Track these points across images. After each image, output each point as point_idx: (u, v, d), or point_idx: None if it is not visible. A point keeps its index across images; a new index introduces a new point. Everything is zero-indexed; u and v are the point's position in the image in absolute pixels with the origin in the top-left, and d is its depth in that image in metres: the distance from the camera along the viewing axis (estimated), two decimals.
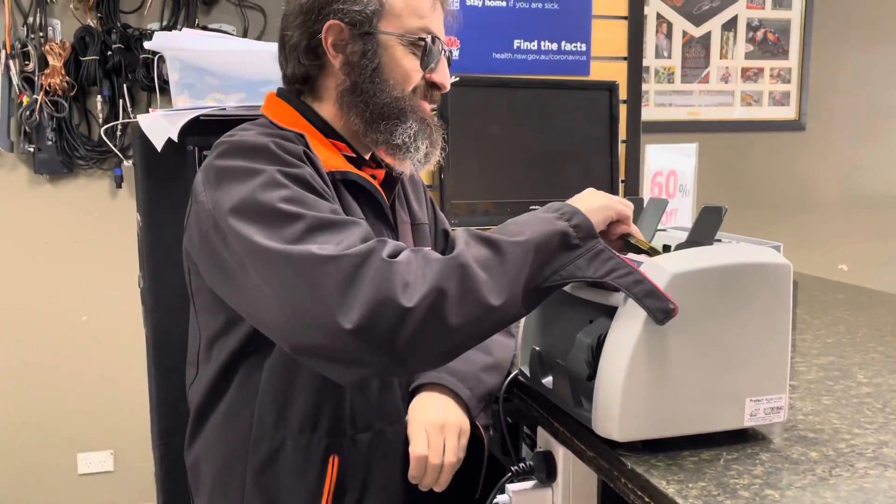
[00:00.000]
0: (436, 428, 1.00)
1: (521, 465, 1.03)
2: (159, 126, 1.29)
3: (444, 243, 1.30)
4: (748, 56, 3.35)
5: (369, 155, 1.16)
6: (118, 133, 2.55)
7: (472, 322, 0.84)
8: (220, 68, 1.54)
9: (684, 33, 3.24)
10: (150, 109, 1.42)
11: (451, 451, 1.00)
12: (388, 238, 1.10)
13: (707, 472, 0.82)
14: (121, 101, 2.53)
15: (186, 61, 1.47)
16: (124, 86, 2.53)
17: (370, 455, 1.03)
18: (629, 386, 0.85)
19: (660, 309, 0.83)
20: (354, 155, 1.12)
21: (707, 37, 3.29)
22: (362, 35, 1.05)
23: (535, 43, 1.99)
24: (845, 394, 1.07)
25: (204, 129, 1.33)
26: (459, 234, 0.89)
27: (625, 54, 2.09)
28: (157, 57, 2.44)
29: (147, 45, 1.50)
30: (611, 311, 0.91)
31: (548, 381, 1.01)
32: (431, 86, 1.11)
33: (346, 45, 1.06)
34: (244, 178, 0.93)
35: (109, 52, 2.48)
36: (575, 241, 0.88)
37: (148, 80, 2.52)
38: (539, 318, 1.08)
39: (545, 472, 1.02)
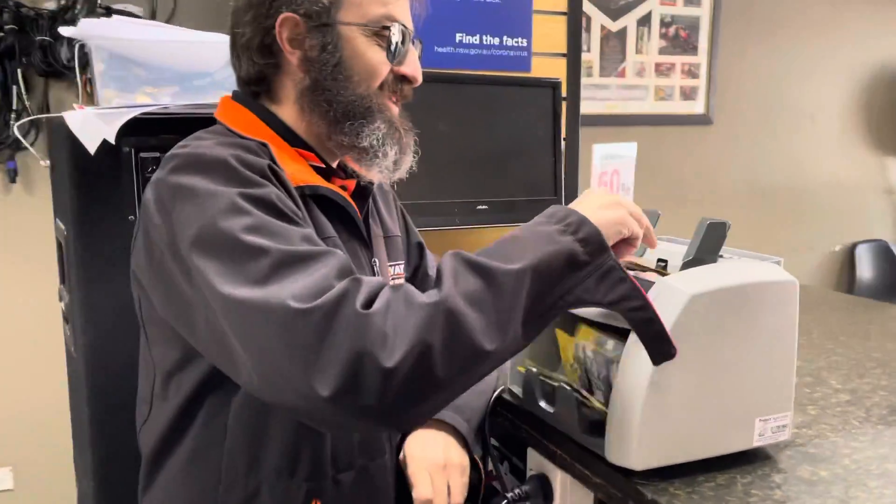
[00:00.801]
0: (438, 468, 0.93)
1: (517, 491, 0.98)
2: (92, 126, 1.15)
3: (419, 258, 1.22)
4: (661, 51, 3.41)
5: (336, 162, 1.07)
6: (10, 121, 2.31)
7: (465, 371, 0.74)
8: (151, 59, 1.40)
9: (602, 27, 3.27)
10: (77, 106, 1.27)
11: (457, 491, 0.93)
12: (363, 256, 1.02)
13: (728, 500, 0.80)
14: (14, 87, 2.29)
15: (115, 51, 1.33)
16: (18, 70, 2.30)
17: (354, 495, 0.95)
18: (647, 413, 0.81)
19: (662, 353, 0.79)
20: (323, 165, 1.02)
21: (623, 31, 3.32)
22: (320, 27, 0.96)
23: (478, 37, 1.93)
24: (826, 402, 1.08)
25: (142, 129, 1.21)
26: (447, 261, 0.78)
27: (564, 50, 2.06)
28: (66, 41, 2.24)
29: (69, 32, 1.34)
30: (612, 328, 0.88)
31: (544, 403, 0.96)
32: (401, 79, 1.02)
33: (304, 40, 0.96)
34: (202, 201, 0.81)
35: (1, 34, 2.24)
36: (583, 258, 0.78)
37: (45, 65, 2.30)
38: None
39: (542, 497, 0.98)
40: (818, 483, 0.83)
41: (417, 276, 1.23)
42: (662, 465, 0.84)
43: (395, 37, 0.98)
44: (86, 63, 2.17)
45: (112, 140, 1.14)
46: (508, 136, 1.90)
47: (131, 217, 1.24)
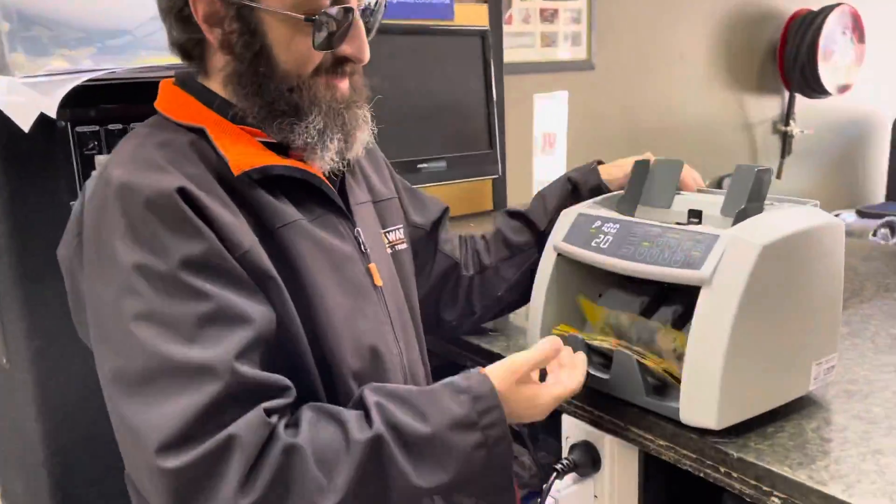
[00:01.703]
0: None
1: (565, 461, 0.94)
2: (24, 98, 0.97)
3: (442, 215, 1.16)
4: None
5: None
6: None
7: None
8: (62, 16, 1.20)
9: None
10: None
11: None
12: (344, 228, 0.90)
13: (809, 448, 0.80)
14: None
15: (24, 9, 1.12)
16: None
17: None
18: (727, 371, 0.79)
19: None
20: (273, 140, 0.88)
21: None
22: (239, 9, 0.81)
23: None
24: None
25: (79, 99, 1.03)
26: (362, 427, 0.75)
27: None
28: None
29: None
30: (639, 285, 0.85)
31: (593, 370, 0.92)
32: (343, 59, 0.87)
33: (223, 20, 0.82)
34: (105, 267, 0.76)
35: None
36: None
37: None
38: (556, 302, 0.98)
39: (590, 464, 0.95)
40: (878, 420, 0.85)
41: (434, 235, 1.15)
42: (738, 422, 0.82)
43: (324, 25, 0.82)
44: None
45: (53, 114, 0.96)
46: (440, 90, 1.82)
47: (72, 203, 1.07)
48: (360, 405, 0.77)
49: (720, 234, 0.82)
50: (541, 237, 1.13)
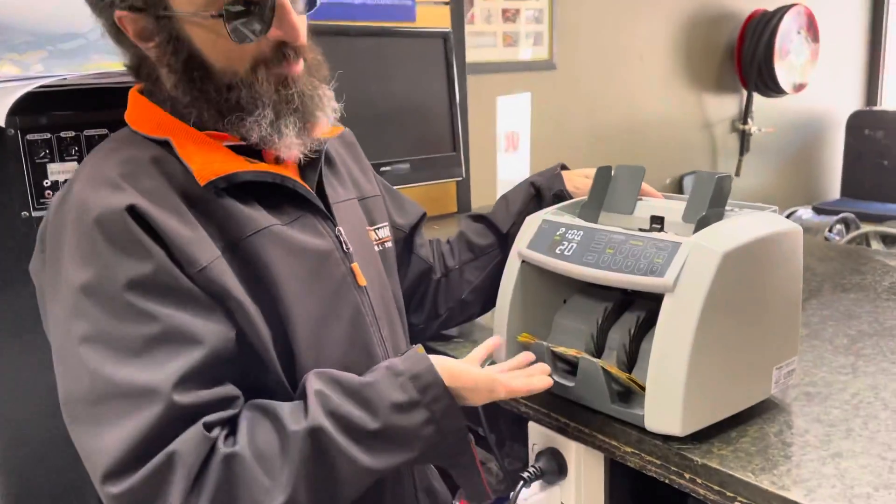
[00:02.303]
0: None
1: (532, 469, 0.94)
2: None
3: (420, 219, 1.15)
4: None
5: None
6: None
7: None
8: (11, 19, 1.17)
9: None
10: None
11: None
12: (325, 228, 0.89)
13: (771, 453, 0.81)
14: None
15: None
16: None
17: None
18: (691, 378, 0.79)
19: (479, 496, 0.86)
20: (243, 142, 0.86)
21: None
22: (157, 20, 0.79)
23: None
24: None
25: (29, 106, 1.00)
26: (311, 412, 0.75)
27: None
28: None
29: None
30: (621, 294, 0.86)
31: (557, 377, 0.92)
32: (282, 43, 0.83)
33: (152, 34, 0.81)
34: (59, 286, 0.75)
35: None
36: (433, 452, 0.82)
37: None
38: (521, 308, 0.98)
39: (556, 471, 0.95)
40: (836, 422, 0.86)
41: (411, 238, 1.14)
42: (701, 428, 0.83)
43: (237, 17, 0.78)
44: None
45: (2, 122, 0.93)
46: (402, 92, 1.81)
47: (24, 214, 1.04)
48: (303, 393, 0.78)
49: (682, 242, 0.82)
50: (503, 240, 1.13)
